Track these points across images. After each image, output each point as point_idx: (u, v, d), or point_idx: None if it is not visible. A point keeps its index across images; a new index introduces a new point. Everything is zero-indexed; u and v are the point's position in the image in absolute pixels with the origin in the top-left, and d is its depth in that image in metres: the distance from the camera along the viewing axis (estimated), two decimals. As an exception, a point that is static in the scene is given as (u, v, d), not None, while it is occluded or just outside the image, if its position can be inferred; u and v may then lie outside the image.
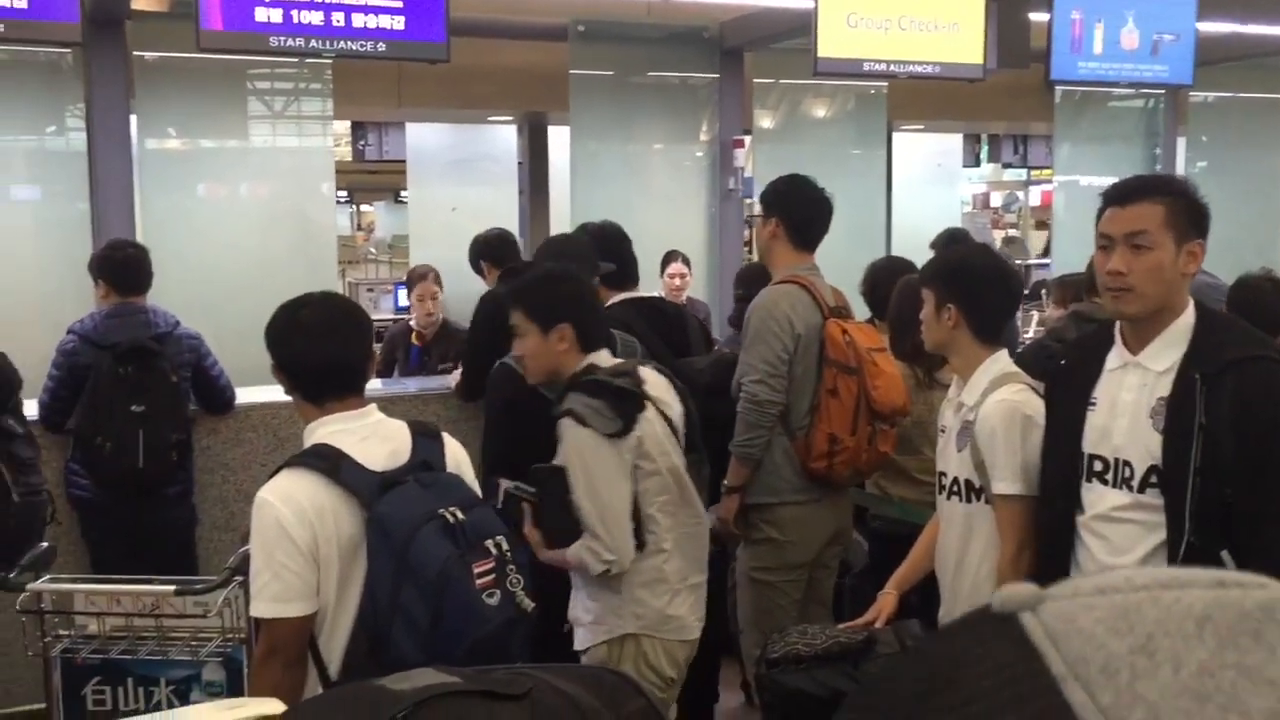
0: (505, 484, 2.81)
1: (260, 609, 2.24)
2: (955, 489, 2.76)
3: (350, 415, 2.35)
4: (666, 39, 7.54)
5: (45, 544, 3.25)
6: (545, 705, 1.17)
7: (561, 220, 8.07)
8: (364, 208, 22.01)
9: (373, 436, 2.34)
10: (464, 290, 8.81)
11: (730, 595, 3.76)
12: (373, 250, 19.63)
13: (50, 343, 4.55)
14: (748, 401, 3.46)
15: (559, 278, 2.93)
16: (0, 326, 5.89)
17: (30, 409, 4.25)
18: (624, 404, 2.73)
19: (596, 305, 2.98)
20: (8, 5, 4.77)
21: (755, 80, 7.70)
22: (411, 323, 6.08)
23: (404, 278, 11.21)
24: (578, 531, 2.74)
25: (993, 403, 2.65)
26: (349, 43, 5.32)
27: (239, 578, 3.11)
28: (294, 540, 2.19)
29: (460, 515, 2.22)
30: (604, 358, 2.86)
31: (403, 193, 19.73)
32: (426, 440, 2.40)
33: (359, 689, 1.24)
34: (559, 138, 9.32)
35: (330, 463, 2.25)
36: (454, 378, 4.89)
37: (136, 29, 6.03)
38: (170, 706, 3.04)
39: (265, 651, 2.27)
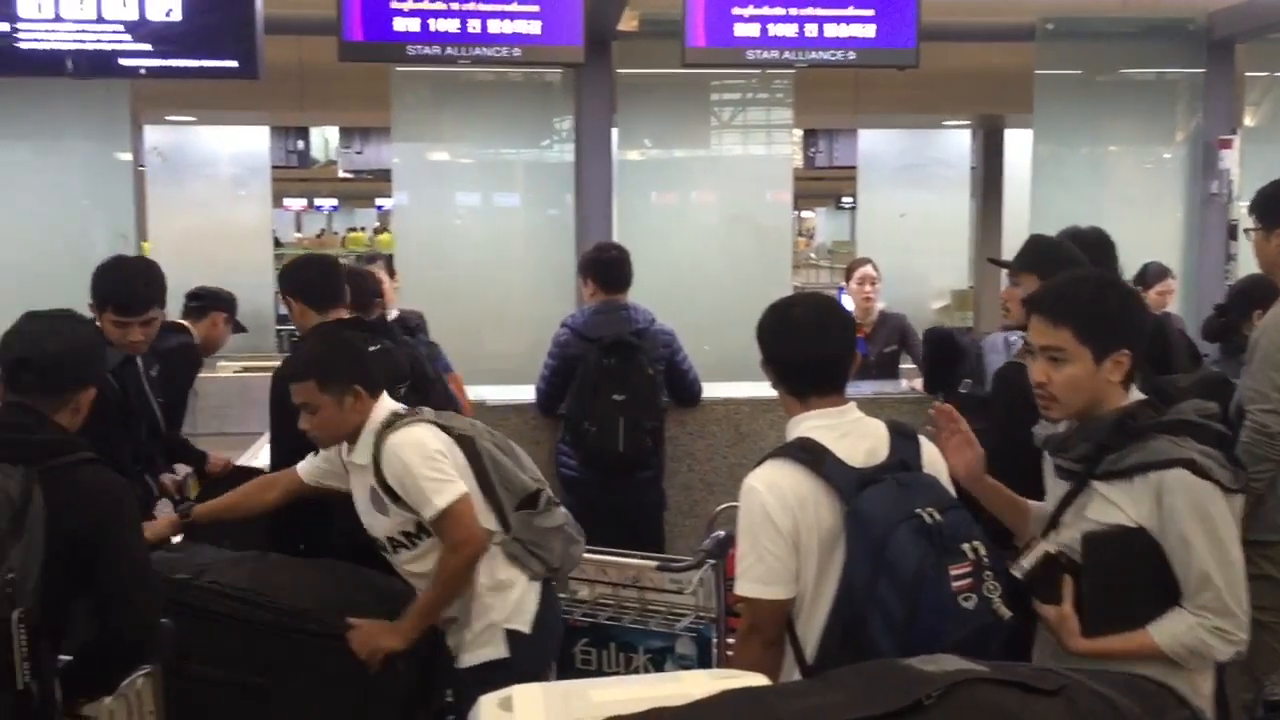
0: (1045, 546, 2.32)
1: (744, 589, 2.33)
2: None
3: (832, 412, 2.41)
4: (1143, 33, 7.08)
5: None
6: (1082, 704, 1.16)
7: (1016, 226, 7.80)
8: (804, 214, 22.40)
9: (852, 433, 2.39)
10: (910, 294, 8.79)
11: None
12: (813, 255, 19.93)
13: (535, 334, 5.06)
14: (1256, 432, 3.13)
15: (1112, 284, 2.40)
16: (492, 320, 6.71)
17: (527, 394, 4.78)
18: (1231, 452, 2.29)
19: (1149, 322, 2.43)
20: (524, 32, 5.42)
21: (1246, 74, 7.03)
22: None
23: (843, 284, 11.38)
24: (1135, 617, 2.24)
25: None
26: (820, 53, 5.49)
27: (711, 561, 3.32)
28: (777, 526, 2.28)
29: (937, 516, 2.22)
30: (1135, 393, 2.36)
31: (844, 198, 19.91)
32: (904, 440, 2.42)
33: (887, 665, 1.29)
34: (1016, 141, 9.02)
35: (813, 456, 2.31)
36: (916, 382, 4.89)
37: (620, 48, 6.55)
38: (646, 673, 3.29)
39: (746, 629, 2.37)
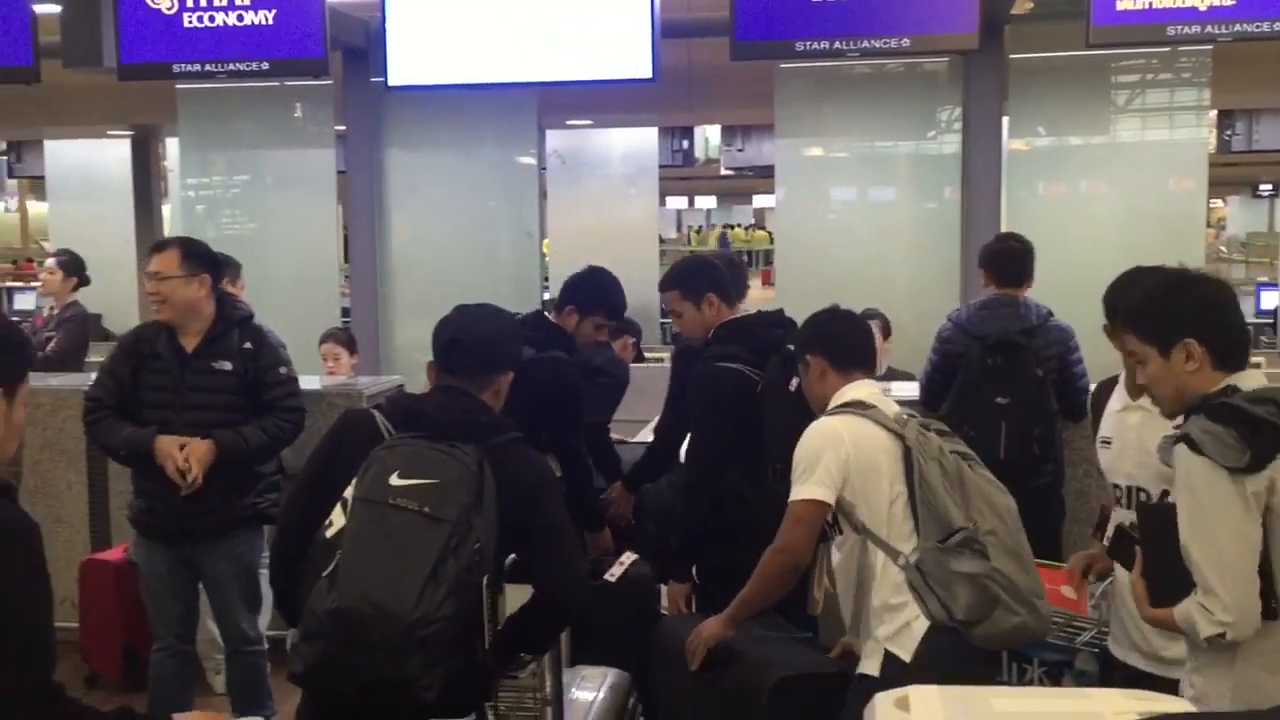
0: (1120, 518, 2.45)
1: None
2: None
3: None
4: None
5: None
6: None
7: None
8: (1213, 203, 20.52)
9: None
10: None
11: None
12: (1223, 249, 18.29)
13: (917, 330, 4.94)
14: None
15: (1174, 287, 2.45)
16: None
17: (908, 390, 4.68)
18: (1257, 435, 2.21)
19: (1232, 309, 2.44)
20: (915, 21, 5.34)
21: None
22: None
23: (1263, 279, 10.26)
24: (1189, 587, 2.24)
25: None
26: (1252, 24, 5.00)
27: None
28: None
29: None
30: (1253, 378, 2.35)
31: (1261, 185, 18.04)
32: None
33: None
34: None
35: None
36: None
37: (1012, 32, 6.27)
38: (1041, 685, 3.14)
39: None
